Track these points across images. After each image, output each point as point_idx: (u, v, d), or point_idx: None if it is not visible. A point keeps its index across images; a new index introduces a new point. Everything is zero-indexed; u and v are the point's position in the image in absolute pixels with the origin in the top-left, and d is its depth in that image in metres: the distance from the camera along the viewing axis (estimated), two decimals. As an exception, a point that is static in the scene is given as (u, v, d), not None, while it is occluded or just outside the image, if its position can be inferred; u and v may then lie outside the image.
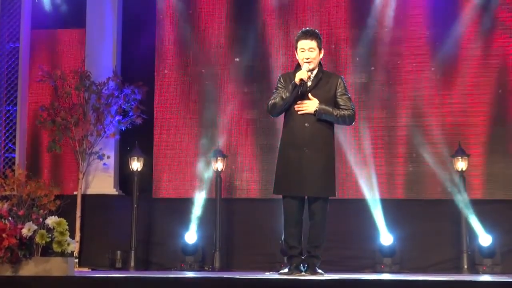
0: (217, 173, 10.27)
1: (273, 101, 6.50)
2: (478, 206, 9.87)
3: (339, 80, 6.54)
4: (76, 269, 7.44)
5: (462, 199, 9.83)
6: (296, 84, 6.36)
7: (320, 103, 6.39)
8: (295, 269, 6.42)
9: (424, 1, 10.75)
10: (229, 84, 10.95)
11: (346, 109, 6.46)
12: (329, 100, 6.43)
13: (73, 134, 10.32)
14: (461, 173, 9.94)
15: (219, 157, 10.31)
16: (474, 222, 9.77)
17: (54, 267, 6.03)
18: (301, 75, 6.36)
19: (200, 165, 10.72)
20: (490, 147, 10.41)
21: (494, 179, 10.36)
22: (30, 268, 6.03)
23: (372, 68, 10.71)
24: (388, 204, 10.11)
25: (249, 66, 10.93)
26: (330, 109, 6.39)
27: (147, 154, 10.67)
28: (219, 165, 10.27)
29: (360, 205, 10.01)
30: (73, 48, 11.05)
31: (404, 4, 10.76)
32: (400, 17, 10.76)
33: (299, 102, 6.38)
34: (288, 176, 6.41)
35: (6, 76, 10.79)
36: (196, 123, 10.91)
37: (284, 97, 6.40)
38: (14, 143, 10.76)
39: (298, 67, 6.52)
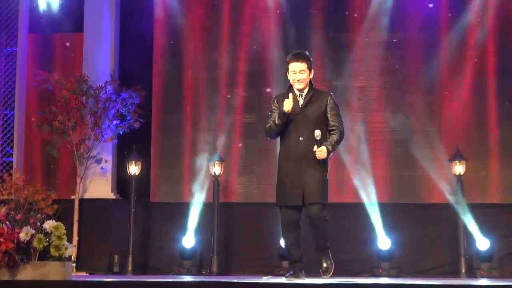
0: (215, 177, 10.29)
1: (267, 125, 6.98)
2: (476, 210, 9.91)
3: (329, 98, 6.96)
4: (73, 273, 7.53)
5: (460, 203, 9.87)
6: (284, 112, 6.79)
7: (325, 143, 6.80)
8: (299, 272, 6.84)
9: (422, 5, 10.81)
10: (227, 88, 10.99)
11: (335, 132, 6.88)
12: (320, 116, 6.88)
13: (71, 138, 10.33)
14: (459, 177, 9.97)
15: (217, 161, 10.33)
16: (472, 226, 9.81)
17: (51, 271, 6.10)
18: (287, 106, 6.77)
19: (198, 169, 10.73)
20: (488, 151, 10.48)
21: (492, 183, 10.41)
22: (27, 273, 6.09)
23: (370, 72, 10.78)
24: (386, 208, 10.15)
25: (247, 70, 10.97)
26: (331, 147, 6.80)
27: (145, 158, 10.69)
28: (216, 169, 10.29)
29: (358, 209, 10.04)
30: (71, 52, 11.08)
31: (402, 8, 10.81)
32: (398, 21, 10.82)
33: (317, 150, 6.72)
34: (287, 188, 6.83)
35: (3, 80, 10.78)
36: (194, 127, 10.94)
37: (277, 122, 6.84)
38: (11, 147, 10.74)
39: (290, 87, 6.95)
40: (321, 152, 6.71)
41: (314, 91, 6.93)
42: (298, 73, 6.84)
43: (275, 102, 6.96)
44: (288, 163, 6.83)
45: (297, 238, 6.92)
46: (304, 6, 10.96)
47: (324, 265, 6.88)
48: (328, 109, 6.89)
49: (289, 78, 6.94)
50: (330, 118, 6.88)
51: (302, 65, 6.85)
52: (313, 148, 6.73)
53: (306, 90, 6.88)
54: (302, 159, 6.76)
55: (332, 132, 6.88)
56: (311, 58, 6.99)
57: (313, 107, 6.85)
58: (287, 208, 6.84)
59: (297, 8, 10.95)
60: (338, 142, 6.88)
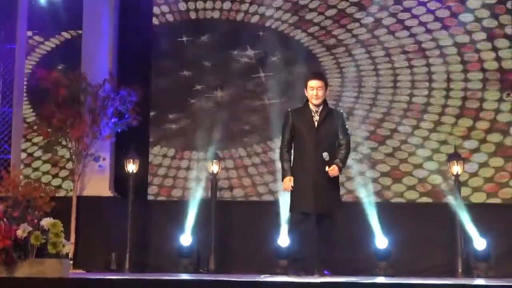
0: (213, 176, 10.35)
1: (281, 154, 7.59)
2: (473, 209, 9.98)
3: (342, 116, 7.69)
4: (71, 271, 7.35)
5: (457, 203, 9.94)
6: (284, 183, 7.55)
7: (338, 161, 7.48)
8: (301, 272, 7.41)
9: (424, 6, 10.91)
10: (224, 86, 11.07)
11: (343, 148, 7.52)
12: (334, 132, 7.52)
13: (69, 136, 10.37)
14: (456, 177, 10.03)
15: (215, 159, 10.38)
16: (469, 226, 9.86)
17: (49, 268, 6.11)
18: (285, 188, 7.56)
19: (196, 168, 10.83)
20: (485, 151, 10.54)
21: (489, 183, 10.48)
22: (25, 270, 6.10)
23: (370, 71, 10.87)
24: (383, 208, 10.22)
25: (244, 70, 11.04)
26: (341, 163, 7.50)
27: (143, 156, 10.76)
28: (214, 167, 10.34)
29: (355, 208, 10.09)
30: (69, 49, 11.10)
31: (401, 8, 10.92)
32: (399, 19, 10.90)
33: (329, 170, 7.37)
34: (303, 196, 7.41)
35: (2, 77, 10.82)
36: (192, 125, 11.01)
37: (282, 169, 7.54)
38: (9, 145, 10.78)
39: (306, 102, 7.56)
40: (333, 170, 7.38)
41: (328, 109, 7.58)
42: (316, 89, 7.46)
43: (290, 116, 7.56)
44: (304, 174, 7.41)
45: (304, 240, 7.52)
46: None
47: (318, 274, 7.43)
48: (340, 127, 7.55)
49: (307, 94, 7.54)
50: (340, 135, 7.53)
51: (320, 83, 7.50)
52: (326, 162, 7.37)
53: (321, 107, 7.50)
54: (318, 171, 7.36)
55: (340, 148, 7.52)
56: (326, 77, 7.76)
57: (327, 124, 7.48)
58: (300, 214, 7.46)
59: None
60: (346, 157, 7.57)
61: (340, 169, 7.48)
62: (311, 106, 7.52)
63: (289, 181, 7.45)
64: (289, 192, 7.57)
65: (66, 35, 11.17)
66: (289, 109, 7.71)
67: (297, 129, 7.51)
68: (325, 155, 7.37)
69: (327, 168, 7.36)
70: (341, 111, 7.97)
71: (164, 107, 11.10)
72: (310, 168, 7.40)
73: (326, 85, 7.58)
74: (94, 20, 10.94)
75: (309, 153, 7.42)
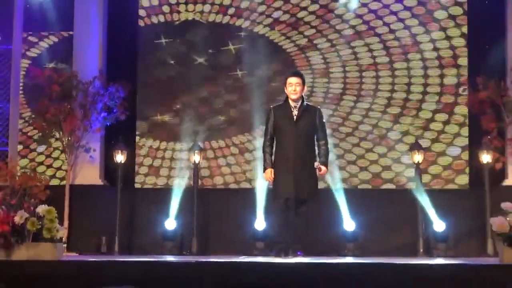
0: (195, 165, 10.72)
1: (264, 148, 8.05)
2: (433, 195, 10.36)
3: (318, 112, 8.10)
4: (64, 254, 7.70)
5: (418, 189, 10.33)
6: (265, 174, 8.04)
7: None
8: (281, 253, 7.86)
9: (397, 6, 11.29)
10: (207, 81, 11.37)
11: (324, 144, 8.03)
12: (312, 126, 7.99)
13: (62, 129, 10.72)
14: (417, 165, 10.42)
15: (197, 150, 10.76)
16: (429, 210, 10.24)
17: (44, 251, 6.50)
18: (266, 179, 8.13)
19: (179, 158, 11.21)
20: (443, 142, 10.99)
21: (447, 170, 10.91)
22: (22, 253, 6.48)
23: (337, 68, 11.25)
24: (351, 193, 10.61)
25: (226, 64, 11.36)
26: (327, 161, 8.04)
27: (130, 147, 11.06)
28: (196, 157, 10.71)
29: (325, 194, 10.27)
30: (62, 49, 11.34)
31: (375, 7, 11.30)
32: (369, 17, 11.27)
33: (321, 173, 7.99)
34: (284, 184, 7.88)
35: (-1, 75, 11.10)
36: (175, 118, 11.35)
37: (263, 161, 8.03)
38: (7, 137, 11.11)
39: (286, 99, 8.01)
40: (322, 172, 7.98)
41: (306, 105, 8.01)
42: (294, 85, 7.91)
43: (272, 112, 8.01)
44: (285, 164, 7.86)
45: (285, 224, 7.97)
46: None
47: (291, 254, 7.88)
48: (318, 122, 8.01)
49: (286, 91, 7.98)
50: (319, 131, 8.02)
51: (298, 79, 7.95)
52: (305, 152, 7.87)
53: (299, 103, 7.92)
54: (297, 161, 7.83)
55: (321, 144, 8.02)
56: (304, 76, 8.09)
57: (305, 119, 7.92)
58: (283, 200, 7.91)
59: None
60: (328, 154, 8.07)
61: (326, 167, 8.00)
62: (290, 102, 7.94)
63: (270, 173, 7.94)
64: (270, 182, 8.07)
65: (58, 35, 11.41)
66: (271, 106, 8.17)
67: (278, 123, 7.94)
68: (316, 164, 7.91)
69: (318, 171, 7.92)
70: (318, 107, 8.28)
71: (150, 102, 11.38)
72: (290, 158, 7.83)
73: (303, 82, 7.99)
74: (84, 22, 11.17)
75: (289, 144, 7.85)
